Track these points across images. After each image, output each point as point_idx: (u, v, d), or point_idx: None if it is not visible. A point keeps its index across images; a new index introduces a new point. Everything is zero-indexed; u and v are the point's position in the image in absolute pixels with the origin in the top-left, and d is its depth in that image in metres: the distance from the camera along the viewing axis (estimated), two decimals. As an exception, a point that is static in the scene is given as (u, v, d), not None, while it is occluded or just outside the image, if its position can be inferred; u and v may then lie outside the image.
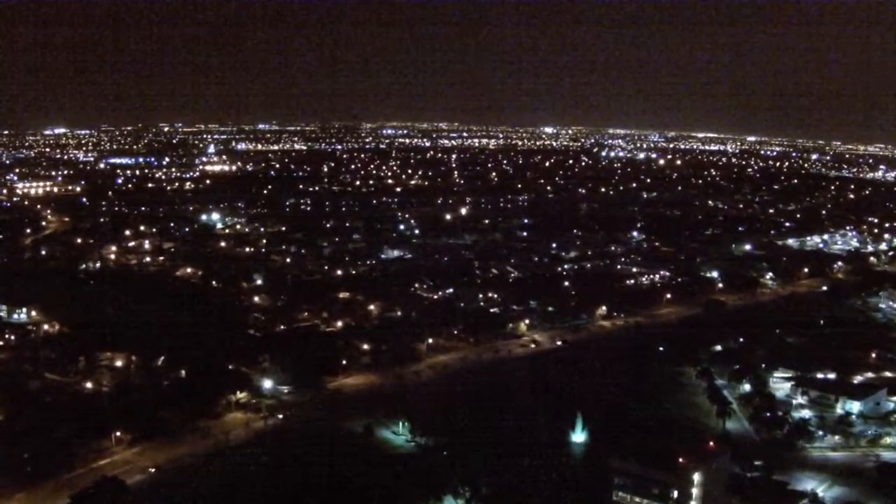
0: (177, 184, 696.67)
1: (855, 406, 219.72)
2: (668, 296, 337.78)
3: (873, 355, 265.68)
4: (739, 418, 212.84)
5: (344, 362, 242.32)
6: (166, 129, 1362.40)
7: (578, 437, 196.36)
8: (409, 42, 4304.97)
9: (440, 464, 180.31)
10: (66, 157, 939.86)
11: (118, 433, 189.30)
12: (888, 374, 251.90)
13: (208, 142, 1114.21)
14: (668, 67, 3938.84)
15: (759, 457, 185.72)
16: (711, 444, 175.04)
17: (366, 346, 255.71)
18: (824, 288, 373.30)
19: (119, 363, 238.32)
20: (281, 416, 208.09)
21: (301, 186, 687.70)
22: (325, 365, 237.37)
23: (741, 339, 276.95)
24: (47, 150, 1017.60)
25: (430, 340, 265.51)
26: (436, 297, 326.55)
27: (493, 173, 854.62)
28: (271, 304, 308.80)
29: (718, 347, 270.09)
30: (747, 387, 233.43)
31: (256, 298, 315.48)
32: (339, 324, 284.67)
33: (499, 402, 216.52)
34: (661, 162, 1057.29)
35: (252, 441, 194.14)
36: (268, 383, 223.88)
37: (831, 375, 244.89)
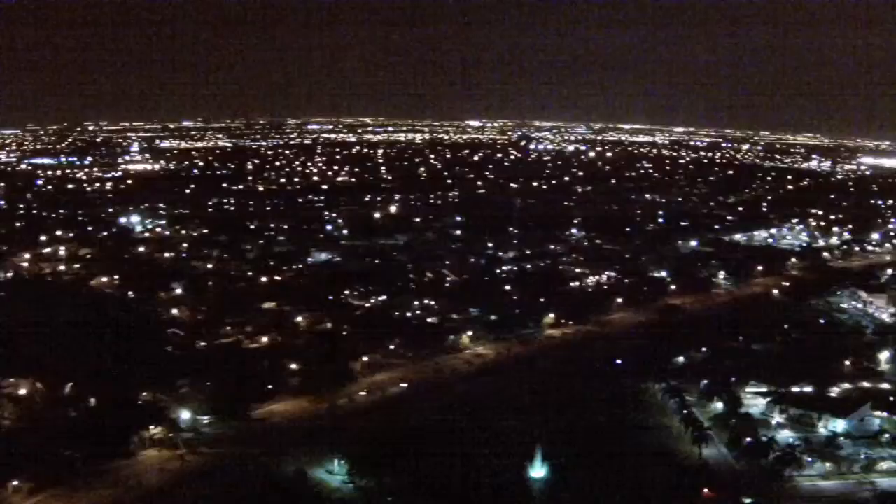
0: (98, 184, 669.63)
1: (840, 425, 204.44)
2: (619, 299, 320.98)
3: (847, 363, 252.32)
4: (716, 444, 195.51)
5: (270, 386, 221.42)
6: (91, 127, 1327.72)
7: (538, 472, 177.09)
8: (332, 37, 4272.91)
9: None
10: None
11: (15, 481, 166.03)
12: (866, 384, 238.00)
13: (132, 140, 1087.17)
14: (590, 59, 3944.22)
15: (744, 490, 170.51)
16: (706, 491, 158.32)
17: (294, 366, 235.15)
18: (782, 287, 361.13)
19: (23, 391, 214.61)
20: (200, 455, 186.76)
21: (225, 185, 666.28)
22: (249, 390, 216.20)
23: (705, 350, 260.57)
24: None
25: (366, 358, 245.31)
26: (368, 304, 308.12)
27: (422, 168, 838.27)
28: (191, 318, 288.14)
29: (681, 359, 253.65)
30: (720, 405, 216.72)
31: (175, 311, 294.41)
32: (265, 339, 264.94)
33: (445, 431, 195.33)
34: (592, 154, 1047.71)
35: (166, 487, 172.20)
36: (186, 414, 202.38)
37: (808, 389, 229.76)
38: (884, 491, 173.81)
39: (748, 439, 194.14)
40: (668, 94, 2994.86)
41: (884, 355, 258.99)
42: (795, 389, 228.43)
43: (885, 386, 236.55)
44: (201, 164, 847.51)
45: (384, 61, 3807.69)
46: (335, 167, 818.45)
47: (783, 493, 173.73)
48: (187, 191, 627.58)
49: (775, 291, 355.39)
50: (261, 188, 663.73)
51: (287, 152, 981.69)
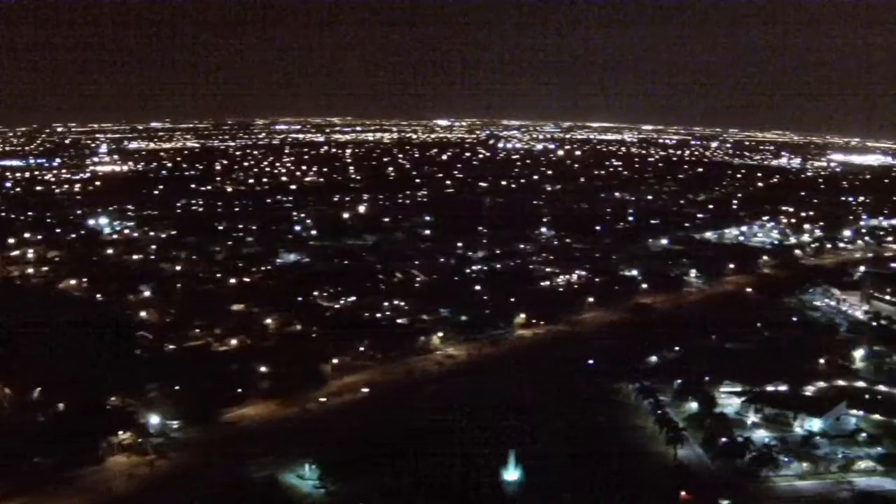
0: (66, 186, 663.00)
1: (816, 424, 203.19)
2: (590, 299, 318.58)
3: (822, 361, 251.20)
4: (691, 444, 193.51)
5: (240, 390, 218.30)
6: (60, 129, 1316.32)
7: (512, 475, 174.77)
8: (299, 38, 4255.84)
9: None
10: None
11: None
12: (841, 382, 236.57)
13: (101, 141, 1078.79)
14: (558, 58, 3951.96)
15: (721, 492, 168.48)
16: (684, 493, 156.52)
17: (264, 369, 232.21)
18: (754, 285, 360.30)
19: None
20: (170, 460, 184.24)
21: (193, 186, 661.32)
22: (219, 393, 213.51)
23: (677, 349, 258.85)
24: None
25: (336, 360, 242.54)
26: (337, 306, 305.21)
27: (390, 168, 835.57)
28: (160, 320, 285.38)
29: (654, 359, 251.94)
30: (694, 405, 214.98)
31: (144, 313, 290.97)
32: (234, 342, 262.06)
33: (418, 434, 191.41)
34: (560, 153, 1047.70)
35: (134, 495, 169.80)
36: (155, 418, 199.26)
37: (782, 388, 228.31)
38: (862, 491, 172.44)
39: (723, 439, 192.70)
40: (637, 92, 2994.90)
41: (858, 353, 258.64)
42: (770, 388, 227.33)
43: (861, 384, 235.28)
44: (170, 165, 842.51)
45: (352, 61, 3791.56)
46: (303, 167, 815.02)
47: (760, 494, 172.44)
48: (156, 192, 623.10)
49: (748, 289, 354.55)
50: (229, 189, 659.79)
51: (255, 153, 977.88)
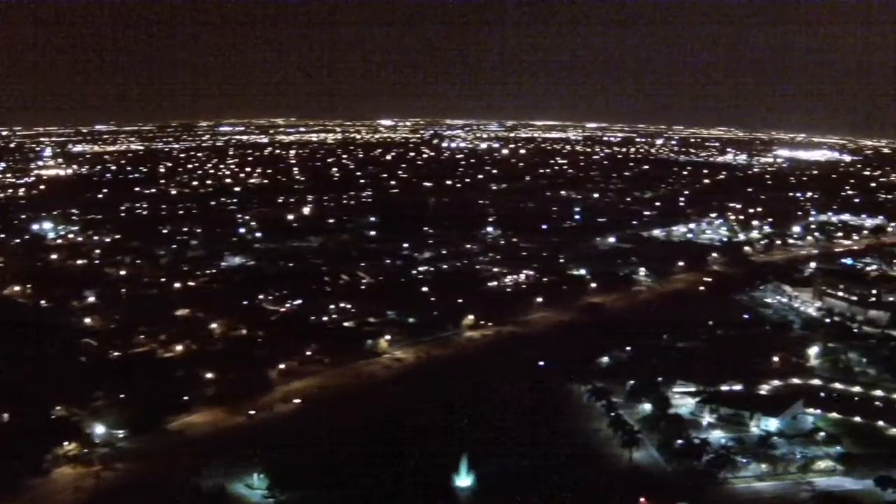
0: (10, 190, 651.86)
1: (772, 423, 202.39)
2: (539, 299, 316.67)
3: (776, 360, 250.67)
4: (647, 446, 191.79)
5: (186, 397, 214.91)
6: (4, 132, 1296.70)
7: (464, 480, 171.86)
8: (241, 38, 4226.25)
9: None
10: None
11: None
12: (796, 380, 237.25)
13: (45, 145, 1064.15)
14: (499, 57, 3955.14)
15: (679, 496, 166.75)
16: (643, 500, 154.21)
17: (210, 375, 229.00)
18: (705, 283, 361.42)
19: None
20: (116, 471, 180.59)
21: (137, 189, 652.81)
22: (165, 401, 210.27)
23: (629, 349, 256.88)
24: None
25: (282, 365, 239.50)
26: (283, 309, 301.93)
27: (334, 169, 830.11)
28: (105, 326, 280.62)
29: (606, 359, 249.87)
30: (648, 406, 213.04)
31: (89, 320, 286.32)
32: (180, 347, 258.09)
33: (368, 440, 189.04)
34: (505, 151, 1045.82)
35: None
36: (100, 428, 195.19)
37: (737, 387, 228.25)
38: (822, 491, 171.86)
39: (679, 441, 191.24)
40: (581, 90, 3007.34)
41: (813, 350, 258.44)
42: (724, 388, 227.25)
43: (816, 382, 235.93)
44: (114, 168, 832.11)
45: (295, 62, 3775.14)
46: (247, 169, 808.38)
47: (719, 497, 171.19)
48: (100, 196, 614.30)
49: (698, 287, 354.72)
50: (173, 191, 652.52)
51: (199, 155, 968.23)
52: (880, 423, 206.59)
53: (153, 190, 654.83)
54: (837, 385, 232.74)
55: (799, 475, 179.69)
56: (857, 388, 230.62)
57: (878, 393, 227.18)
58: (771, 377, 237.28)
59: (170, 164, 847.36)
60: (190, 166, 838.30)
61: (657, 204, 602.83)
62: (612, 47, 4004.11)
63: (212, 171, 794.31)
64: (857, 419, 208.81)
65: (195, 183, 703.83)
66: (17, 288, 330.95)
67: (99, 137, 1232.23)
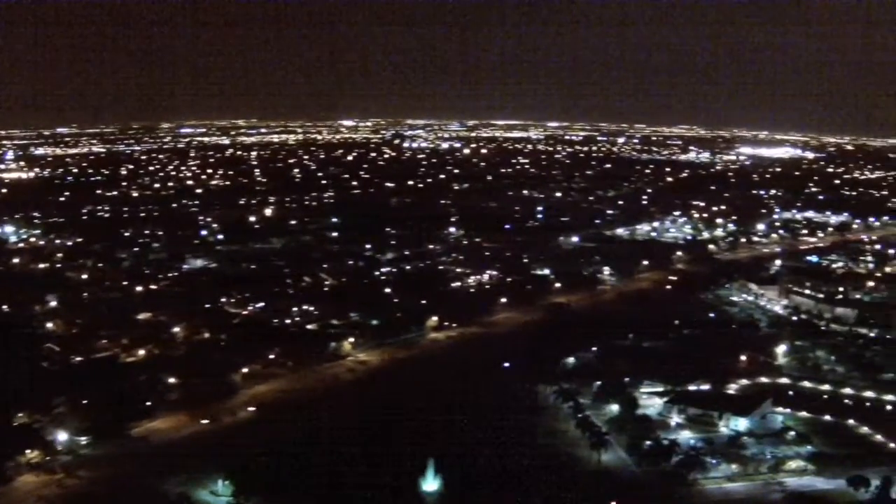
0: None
1: (742, 423, 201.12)
2: (503, 299, 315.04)
3: (743, 358, 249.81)
4: (615, 448, 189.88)
5: (149, 403, 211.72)
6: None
7: (430, 485, 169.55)
8: (205, 40, 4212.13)
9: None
10: None
11: None
12: (764, 379, 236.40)
13: (7, 148, 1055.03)
14: (460, 56, 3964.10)
15: (649, 498, 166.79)
16: None
17: (173, 380, 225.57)
18: (670, 282, 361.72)
19: None
20: (79, 478, 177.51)
21: (99, 192, 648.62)
22: (127, 407, 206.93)
23: (595, 349, 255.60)
24: None
25: (246, 369, 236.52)
26: (246, 312, 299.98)
27: (296, 170, 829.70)
28: (67, 331, 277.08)
29: (572, 360, 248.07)
30: (615, 407, 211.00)
31: (51, 324, 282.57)
32: (142, 352, 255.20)
33: (332, 444, 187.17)
34: (466, 151, 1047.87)
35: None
36: (63, 435, 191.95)
37: (705, 387, 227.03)
38: (794, 491, 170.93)
39: (648, 443, 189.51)
40: (542, 90, 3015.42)
41: (780, 349, 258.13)
42: (692, 388, 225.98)
43: (785, 381, 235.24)
44: (76, 170, 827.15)
45: (256, 63, 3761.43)
46: (209, 170, 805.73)
47: (689, 498, 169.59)
48: (62, 199, 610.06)
49: (663, 286, 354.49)
50: (135, 194, 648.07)
51: (161, 157, 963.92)
52: (850, 421, 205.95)
53: (115, 192, 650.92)
54: (806, 383, 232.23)
55: (770, 475, 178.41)
56: (826, 387, 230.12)
57: (848, 391, 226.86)
58: (739, 376, 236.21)
59: (131, 167, 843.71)
60: (151, 168, 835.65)
61: (620, 203, 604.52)
62: (570, 47, 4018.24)
63: (173, 173, 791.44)
64: (827, 418, 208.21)
65: (157, 185, 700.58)
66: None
67: (61, 140, 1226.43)
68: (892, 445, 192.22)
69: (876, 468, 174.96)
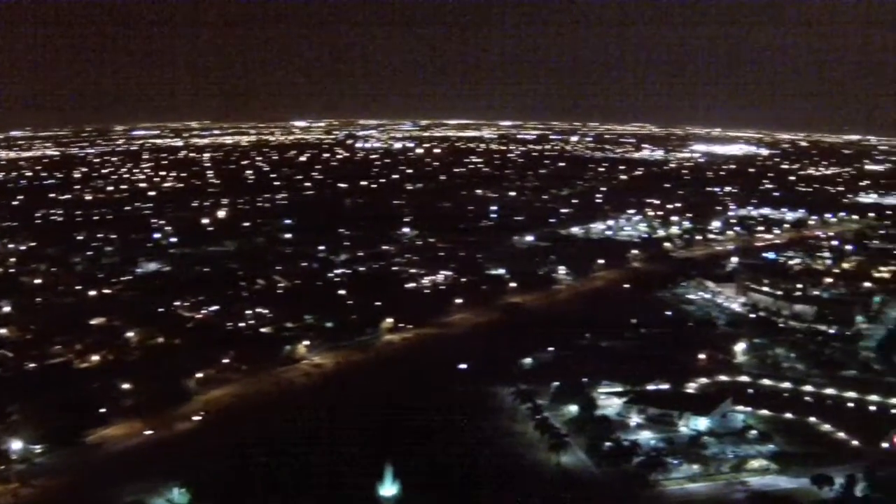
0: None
1: (702, 423, 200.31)
2: (458, 300, 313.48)
3: (702, 357, 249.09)
4: (574, 450, 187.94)
5: (104, 409, 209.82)
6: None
7: (388, 490, 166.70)
8: (156, 41, 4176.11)
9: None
10: None
11: None
12: (724, 378, 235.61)
13: None
14: (410, 56, 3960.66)
15: (609, 500, 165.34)
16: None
17: (127, 386, 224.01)
18: (626, 280, 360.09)
19: None
20: (34, 487, 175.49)
21: (52, 195, 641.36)
22: (82, 414, 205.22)
23: (552, 349, 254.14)
24: None
25: (200, 374, 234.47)
26: (200, 316, 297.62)
27: (249, 171, 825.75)
28: (21, 337, 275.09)
29: (529, 360, 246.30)
30: (574, 408, 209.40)
31: (4, 330, 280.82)
32: (96, 357, 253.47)
33: (289, 449, 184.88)
34: (419, 151, 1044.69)
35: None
36: (17, 443, 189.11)
37: (664, 386, 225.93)
38: (757, 491, 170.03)
39: (608, 444, 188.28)
40: (495, 89, 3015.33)
41: (739, 347, 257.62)
42: (651, 387, 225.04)
43: (744, 379, 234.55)
44: (29, 174, 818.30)
45: (207, 63, 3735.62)
46: (162, 173, 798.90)
47: (651, 500, 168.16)
48: (15, 202, 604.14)
49: (619, 285, 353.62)
50: (89, 197, 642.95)
51: (114, 159, 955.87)
52: (812, 419, 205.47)
53: (68, 196, 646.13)
54: (766, 381, 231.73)
55: (732, 475, 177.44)
56: (786, 384, 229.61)
57: (808, 388, 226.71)
58: (698, 375, 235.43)
59: (85, 170, 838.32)
60: (105, 171, 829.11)
61: (574, 201, 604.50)
62: (520, 46, 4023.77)
63: (126, 176, 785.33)
64: (789, 416, 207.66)
65: (110, 188, 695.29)
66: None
67: (14, 143, 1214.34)
68: (854, 443, 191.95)
69: (839, 466, 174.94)
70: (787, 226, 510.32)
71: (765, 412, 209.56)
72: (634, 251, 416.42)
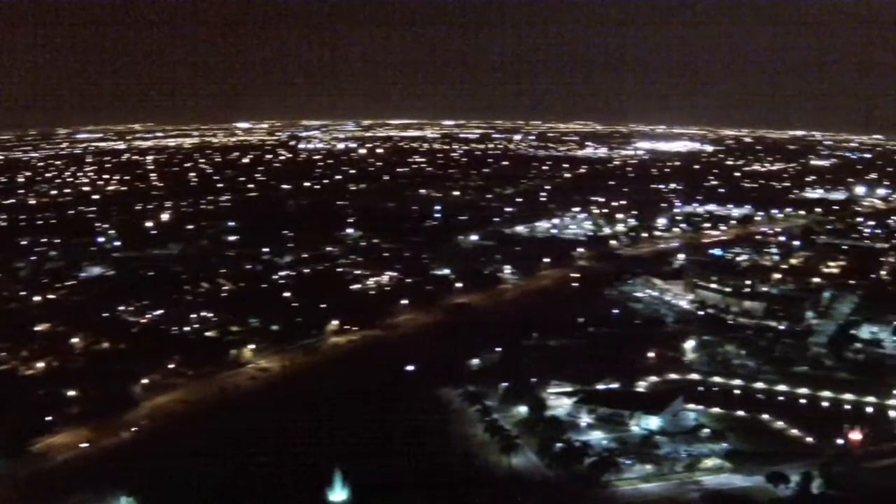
0: None
1: (653, 422, 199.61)
2: (404, 301, 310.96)
3: (651, 355, 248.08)
4: (525, 452, 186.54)
5: (49, 417, 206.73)
6: None
7: (338, 495, 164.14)
8: (95, 42, 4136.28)
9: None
10: None
11: None
12: (674, 375, 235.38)
13: None
14: (355, 58, 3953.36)
15: (561, 502, 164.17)
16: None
17: (73, 393, 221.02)
18: (572, 279, 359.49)
19: None
20: None
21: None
22: (27, 423, 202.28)
23: (500, 349, 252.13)
24: None
25: (146, 379, 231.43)
26: (144, 320, 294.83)
27: (192, 173, 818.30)
28: None
29: (477, 361, 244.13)
30: (524, 409, 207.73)
31: None
32: (41, 364, 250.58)
33: (236, 455, 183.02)
34: (362, 151, 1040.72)
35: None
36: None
37: (614, 385, 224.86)
38: (711, 490, 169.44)
39: (559, 445, 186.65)
40: (436, 88, 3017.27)
41: (688, 344, 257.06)
42: (601, 387, 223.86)
43: (695, 376, 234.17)
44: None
45: (147, 65, 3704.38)
46: (105, 176, 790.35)
47: (603, 501, 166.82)
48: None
49: (566, 283, 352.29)
50: (32, 201, 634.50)
51: (58, 163, 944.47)
52: (765, 416, 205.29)
53: (11, 200, 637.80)
54: (717, 379, 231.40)
55: (686, 474, 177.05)
56: (737, 382, 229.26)
57: (760, 386, 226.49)
58: (648, 374, 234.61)
59: (28, 174, 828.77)
60: (48, 175, 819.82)
61: (518, 200, 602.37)
62: (464, 46, 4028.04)
63: (70, 180, 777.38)
64: (741, 413, 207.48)
65: (54, 192, 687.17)
66: None
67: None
68: (808, 440, 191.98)
69: (793, 463, 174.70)
70: (733, 222, 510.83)
71: (717, 410, 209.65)
72: (580, 249, 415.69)
